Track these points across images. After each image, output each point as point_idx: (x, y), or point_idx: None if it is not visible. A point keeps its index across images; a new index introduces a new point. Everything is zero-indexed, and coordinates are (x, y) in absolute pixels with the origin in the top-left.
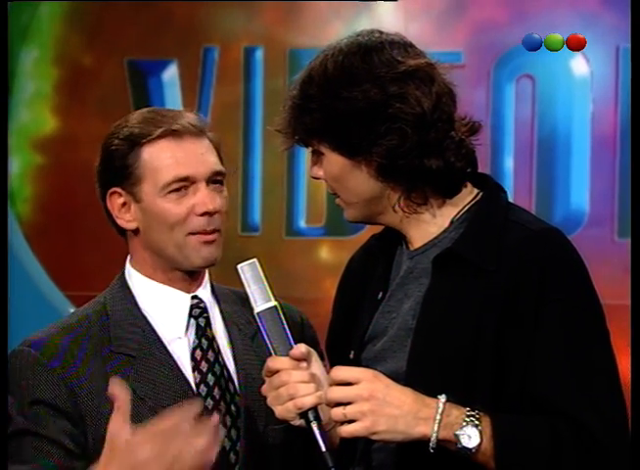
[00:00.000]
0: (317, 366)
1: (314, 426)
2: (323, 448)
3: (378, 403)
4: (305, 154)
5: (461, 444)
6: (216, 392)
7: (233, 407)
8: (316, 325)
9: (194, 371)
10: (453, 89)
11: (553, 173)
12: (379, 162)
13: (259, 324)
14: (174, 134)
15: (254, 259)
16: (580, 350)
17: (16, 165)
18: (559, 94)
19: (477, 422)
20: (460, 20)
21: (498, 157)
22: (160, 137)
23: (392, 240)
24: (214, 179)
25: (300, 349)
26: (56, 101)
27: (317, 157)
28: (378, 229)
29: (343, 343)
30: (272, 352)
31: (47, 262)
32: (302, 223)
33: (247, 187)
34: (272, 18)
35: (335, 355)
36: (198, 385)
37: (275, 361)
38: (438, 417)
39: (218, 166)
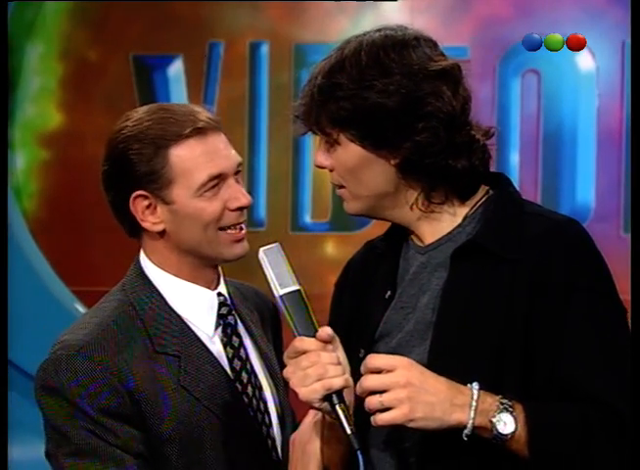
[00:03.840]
0: (341, 350)
1: (339, 409)
2: (348, 431)
3: (415, 390)
4: (311, 149)
5: (497, 430)
6: (249, 389)
7: (261, 404)
8: (321, 320)
9: (227, 368)
10: (471, 94)
11: (559, 168)
12: (406, 157)
13: (282, 308)
14: (199, 132)
15: (277, 244)
16: (608, 336)
17: (21, 161)
18: (565, 89)
19: (510, 409)
20: (465, 15)
21: (504, 152)
22: (187, 137)
23: (395, 240)
24: (237, 171)
25: (327, 331)
26: (61, 96)
27: (330, 146)
28: (383, 224)
29: (348, 343)
30: (296, 334)
31: (53, 258)
32: (308, 219)
33: (252, 182)
34: (277, 13)
35: None
36: (233, 382)
37: (303, 342)
38: (474, 404)
39: (239, 157)
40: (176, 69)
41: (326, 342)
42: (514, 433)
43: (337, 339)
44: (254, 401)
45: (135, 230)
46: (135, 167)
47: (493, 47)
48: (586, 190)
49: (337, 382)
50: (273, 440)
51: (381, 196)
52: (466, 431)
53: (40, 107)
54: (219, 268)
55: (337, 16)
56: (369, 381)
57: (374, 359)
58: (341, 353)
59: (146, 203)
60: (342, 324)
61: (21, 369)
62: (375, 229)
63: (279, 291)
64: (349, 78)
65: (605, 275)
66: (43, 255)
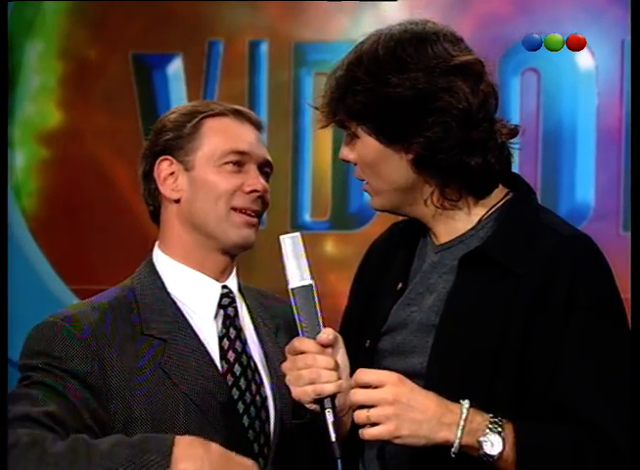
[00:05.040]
0: (341, 353)
1: (328, 414)
2: (332, 438)
3: (402, 407)
4: (311, 148)
5: (483, 450)
6: (242, 382)
7: (258, 398)
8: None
9: (221, 360)
10: (497, 90)
11: (558, 167)
12: (418, 152)
13: (291, 300)
14: (236, 114)
15: (298, 234)
16: (606, 360)
17: (21, 159)
18: (564, 88)
19: (499, 429)
20: (465, 13)
21: None
22: (222, 114)
23: (416, 231)
24: (264, 169)
25: (329, 335)
26: (61, 95)
27: (351, 139)
28: (384, 222)
29: (359, 330)
30: (300, 331)
31: (52, 256)
32: (307, 217)
33: None
34: (277, 11)
35: (349, 342)
36: (224, 374)
37: (302, 343)
38: (462, 423)
39: (268, 157)
40: (176, 67)
41: (325, 346)
42: (501, 453)
43: (339, 340)
44: (248, 395)
45: (156, 205)
46: (167, 133)
47: (493, 45)
48: (586, 188)
49: (328, 388)
50: (267, 435)
51: (399, 191)
52: (453, 449)
53: (40, 105)
54: (233, 264)
55: (336, 14)
56: (357, 396)
57: (363, 374)
58: (340, 356)
59: (170, 169)
60: (357, 309)
61: None
62: (375, 228)
63: (291, 283)
64: (366, 72)
65: (609, 296)
66: (42, 253)
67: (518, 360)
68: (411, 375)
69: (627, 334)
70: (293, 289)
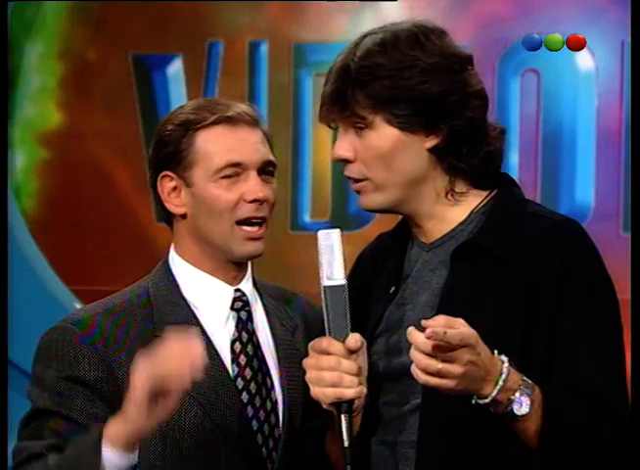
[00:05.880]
0: (362, 358)
1: (344, 419)
2: (346, 444)
3: (471, 370)
4: (310, 148)
5: (511, 408)
6: (252, 386)
7: (269, 402)
8: (320, 319)
9: (232, 363)
10: None
11: (558, 168)
12: (443, 139)
13: (322, 298)
14: (229, 121)
15: (337, 230)
16: (602, 337)
17: (21, 160)
18: (564, 89)
19: (529, 391)
20: (465, 14)
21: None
22: (214, 123)
23: (404, 236)
24: (266, 170)
25: (357, 341)
26: (61, 95)
27: (358, 132)
28: (383, 223)
29: None
30: (327, 330)
31: (52, 257)
32: (307, 218)
33: None
34: (277, 12)
35: None
36: (235, 378)
37: (330, 345)
38: (501, 383)
39: (270, 156)
40: (175, 68)
41: (352, 351)
42: (526, 414)
43: (364, 345)
44: (258, 399)
45: (166, 215)
46: (165, 148)
47: (493, 46)
48: (586, 189)
49: (348, 393)
50: (276, 439)
51: (408, 183)
52: (480, 401)
53: (40, 106)
54: (248, 267)
55: (336, 15)
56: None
57: (454, 332)
58: (363, 361)
59: (172, 185)
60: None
61: (21, 369)
62: (374, 228)
63: (324, 281)
64: (391, 59)
65: (600, 276)
66: (42, 254)
67: (518, 348)
68: (409, 372)
69: (618, 310)
70: (325, 287)
